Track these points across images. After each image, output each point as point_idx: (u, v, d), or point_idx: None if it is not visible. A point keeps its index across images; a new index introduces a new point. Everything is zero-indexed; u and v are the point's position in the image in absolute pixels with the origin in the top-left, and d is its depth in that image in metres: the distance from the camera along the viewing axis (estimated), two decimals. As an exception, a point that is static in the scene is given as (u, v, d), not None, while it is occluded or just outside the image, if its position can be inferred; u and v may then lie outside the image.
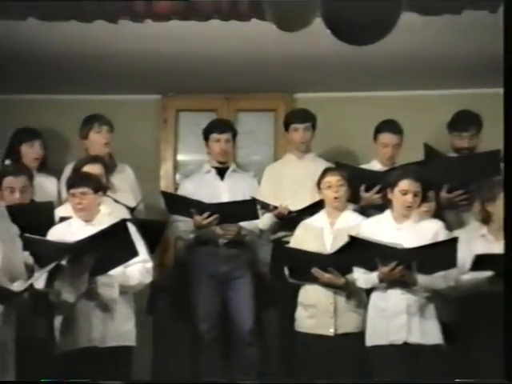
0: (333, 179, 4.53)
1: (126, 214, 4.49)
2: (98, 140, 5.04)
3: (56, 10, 4.28)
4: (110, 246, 3.94)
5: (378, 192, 4.70)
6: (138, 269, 4.19)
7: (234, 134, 5.17)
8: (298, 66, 5.19)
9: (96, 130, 5.05)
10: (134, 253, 4.03)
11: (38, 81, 5.49)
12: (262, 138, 6.01)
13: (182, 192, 5.14)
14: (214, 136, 5.07)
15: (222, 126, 5.15)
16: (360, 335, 4.30)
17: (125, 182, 5.03)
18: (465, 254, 4.13)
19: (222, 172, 5.14)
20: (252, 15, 4.26)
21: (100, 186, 4.35)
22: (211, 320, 4.91)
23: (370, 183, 4.81)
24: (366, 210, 4.77)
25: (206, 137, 5.12)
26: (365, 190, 4.82)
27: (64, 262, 3.93)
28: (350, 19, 3.35)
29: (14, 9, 4.25)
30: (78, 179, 4.34)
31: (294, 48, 4.76)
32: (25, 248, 3.90)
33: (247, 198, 4.86)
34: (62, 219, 4.32)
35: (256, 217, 4.82)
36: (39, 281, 3.93)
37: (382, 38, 3.51)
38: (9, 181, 4.45)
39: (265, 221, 4.96)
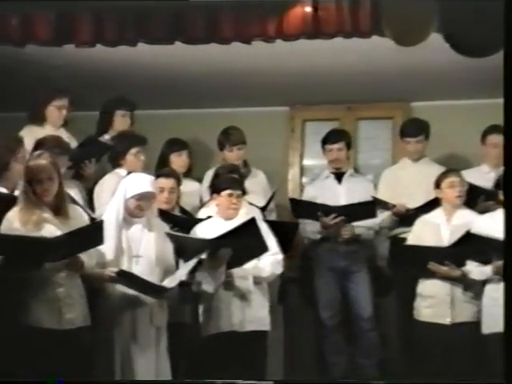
0: (456, 179, 4.47)
1: (258, 214, 4.45)
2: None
3: (198, 34, 4.32)
4: (243, 242, 3.95)
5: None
6: (270, 261, 4.18)
7: (349, 143, 5.07)
8: (414, 77, 5.13)
9: None
10: (264, 248, 4.03)
11: (184, 97, 5.56)
12: (381, 143, 5.92)
13: (306, 197, 5.12)
14: (327, 146, 5.07)
15: (333, 137, 5.08)
16: (475, 324, 4.22)
17: (257, 186, 5.02)
18: None
19: (339, 176, 5.08)
20: (372, 33, 4.21)
21: (244, 190, 4.40)
22: (333, 308, 4.90)
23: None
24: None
25: (323, 146, 5.09)
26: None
27: (204, 257, 3.98)
28: (470, 34, 3.22)
29: (163, 35, 4.28)
30: (235, 183, 4.34)
31: (411, 61, 4.71)
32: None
33: (363, 199, 4.76)
34: (208, 217, 4.35)
35: (374, 215, 4.74)
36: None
37: (500, 51, 3.35)
38: (160, 181, 4.38)
39: (384, 218, 4.89)
